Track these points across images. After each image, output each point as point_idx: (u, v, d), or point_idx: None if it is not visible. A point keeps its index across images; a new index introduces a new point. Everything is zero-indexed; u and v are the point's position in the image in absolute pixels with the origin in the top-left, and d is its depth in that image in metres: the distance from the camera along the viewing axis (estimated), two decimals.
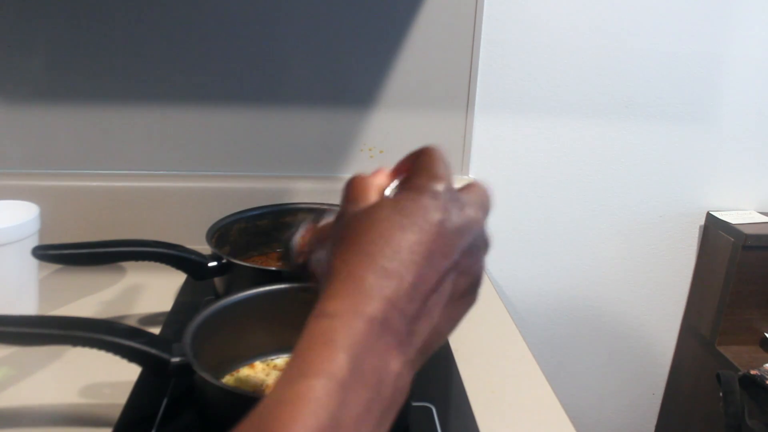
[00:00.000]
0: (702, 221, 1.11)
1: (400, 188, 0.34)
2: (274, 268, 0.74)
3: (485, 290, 0.89)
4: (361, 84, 0.95)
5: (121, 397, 0.60)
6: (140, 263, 0.71)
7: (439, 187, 0.32)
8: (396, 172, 0.36)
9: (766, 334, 1.07)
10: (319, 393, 0.25)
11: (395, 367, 0.28)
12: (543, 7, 0.95)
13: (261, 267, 0.75)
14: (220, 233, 0.81)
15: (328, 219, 0.41)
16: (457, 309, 0.32)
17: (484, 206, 0.35)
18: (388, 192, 0.36)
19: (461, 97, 0.97)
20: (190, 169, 0.97)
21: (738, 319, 1.06)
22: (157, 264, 0.72)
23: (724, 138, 1.06)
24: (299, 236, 0.43)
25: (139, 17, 0.89)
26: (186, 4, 0.89)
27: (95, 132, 0.94)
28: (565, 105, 1.01)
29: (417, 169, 0.33)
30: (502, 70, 0.98)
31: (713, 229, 1.09)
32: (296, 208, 0.89)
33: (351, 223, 0.32)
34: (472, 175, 1.03)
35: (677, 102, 1.03)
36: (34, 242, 0.71)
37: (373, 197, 0.34)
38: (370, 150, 0.99)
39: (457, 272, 0.31)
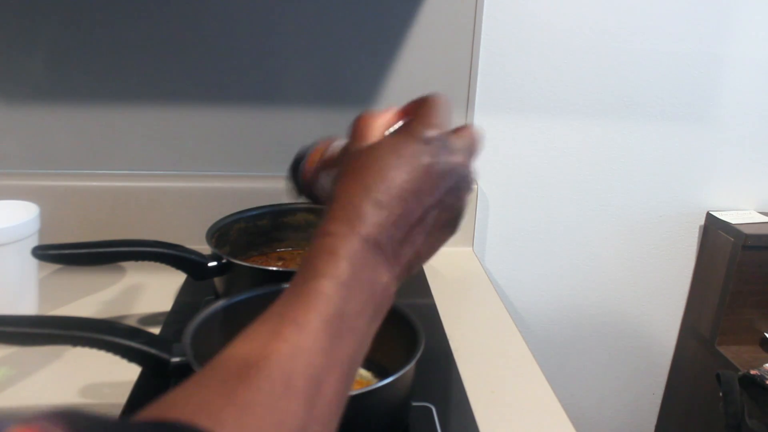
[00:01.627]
0: (702, 221, 1.11)
1: (399, 130, 0.38)
2: (274, 268, 0.74)
3: (485, 290, 0.89)
4: (361, 84, 0.95)
5: (121, 397, 0.60)
6: (140, 263, 0.71)
7: (432, 133, 0.37)
8: (401, 114, 0.41)
9: (766, 334, 1.07)
10: (328, 289, 0.31)
11: (384, 279, 0.35)
12: (543, 7, 0.95)
13: (261, 267, 0.75)
14: (220, 233, 0.81)
15: (335, 145, 0.46)
16: (437, 238, 0.38)
17: (471, 150, 0.40)
18: (389, 131, 0.40)
19: (461, 97, 0.97)
20: (190, 169, 0.97)
21: (738, 319, 1.06)
22: (157, 264, 0.72)
23: (724, 138, 1.06)
24: (308, 157, 0.47)
25: (139, 17, 0.89)
26: (186, 4, 0.89)
27: (95, 132, 0.94)
28: (565, 105, 1.01)
29: (417, 116, 0.38)
30: (502, 70, 0.98)
31: (713, 229, 1.09)
32: (296, 208, 0.89)
33: (353, 158, 0.38)
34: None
35: (677, 102, 1.03)
36: (34, 242, 0.71)
37: (375, 136, 0.39)
38: None
39: (439, 208, 0.37)
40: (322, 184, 0.45)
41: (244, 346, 0.29)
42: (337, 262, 0.32)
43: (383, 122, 0.40)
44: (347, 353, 0.31)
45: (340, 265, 0.32)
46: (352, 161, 0.37)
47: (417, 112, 0.39)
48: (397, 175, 0.35)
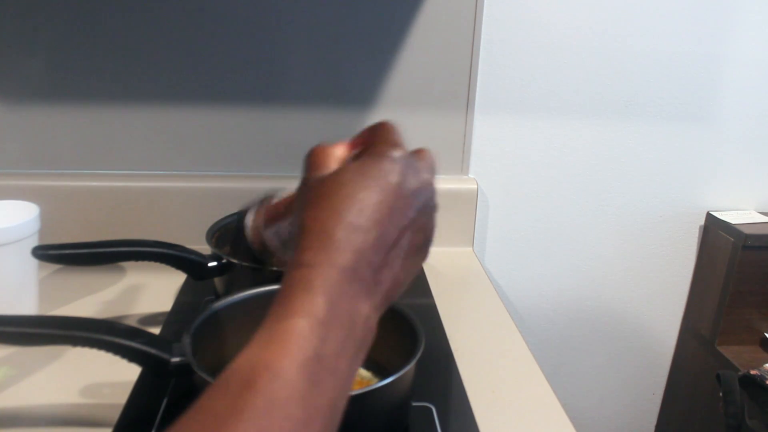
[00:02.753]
0: (702, 221, 1.11)
1: (362, 155, 0.37)
2: (274, 268, 0.74)
3: (485, 290, 0.89)
4: (361, 84, 0.95)
5: (121, 397, 0.60)
6: (140, 263, 0.71)
7: (397, 153, 0.36)
8: (353, 144, 0.40)
9: (766, 334, 1.07)
10: (303, 330, 0.29)
11: (365, 310, 0.32)
12: (543, 7, 0.95)
13: (261, 267, 0.75)
14: (220, 233, 0.81)
15: (276, 198, 0.44)
16: (413, 262, 0.36)
17: (433, 171, 0.39)
18: (349, 159, 0.39)
19: (461, 97, 0.97)
20: (190, 169, 0.97)
21: (738, 319, 1.06)
22: (157, 264, 0.72)
23: (724, 138, 1.06)
24: (250, 219, 0.45)
25: (139, 17, 0.89)
26: (186, 4, 0.89)
27: (95, 132, 0.94)
28: (565, 105, 1.01)
29: (376, 139, 0.38)
30: (502, 70, 0.98)
31: (713, 229, 1.09)
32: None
33: (318, 186, 0.35)
34: (472, 175, 1.03)
35: (677, 102, 1.03)
36: (34, 242, 0.71)
37: (333, 166, 0.37)
38: None
39: (413, 229, 0.35)
40: (270, 238, 0.43)
41: (215, 400, 0.27)
42: (312, 298, 0.30)
43: (339, 153, 0.39)
44: (328, 398, 0.29)
45: (317, 301, 0.30)
46: (317, 189, 0.35)
47: (374, 137, 0.38)
48: (369, 196, 0.33)
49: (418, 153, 0.39)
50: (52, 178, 0.94)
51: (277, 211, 0.43)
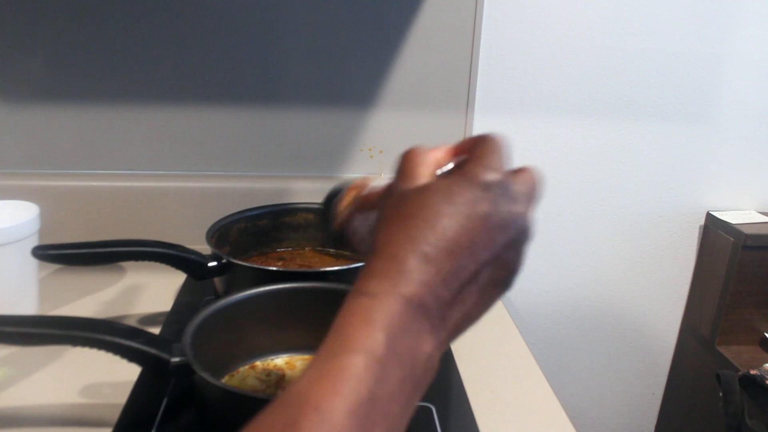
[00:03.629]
0: (702, 221, 1.11)
1: (454, 172, 0.34)
2: (274, 268, 0.74)
3: None
4: (361, 84, 0.95)
5: (121, 397, 0.60)
6: (140, 263, 0.71)
7: (491, 177, 0.32)
8: (455, 151, 0.36)
9: (766, 334, 1.07)
10: (359, 369, 0.26)
11: (427, 349, 0.30)
12: (543, 7, 0.95)
13: (261, 267, 0.75)
14: (220, 233, 0.81)
15: (373, 187, 0.41)
16: (490, 296, 0.34)
17: (533, 198, 0.35)
18: (441, 172, 0.36)
19: (461, 97, 0.97)
20: (190, 169, 0.97)
21: (738, 319, 1.06)
22: (157, 264, 0.72)
23: (724, 138, 1.06)
24: (340, 200, 0.43)
25: (139, 17, 0.89)
26: (186, 4, 0.89)
27: (95, 132, 0.94)
28: (565, 105, 1.01)
29: (474, 156, 0.34)
30: (502, 70, 0.98)
31: (713, 229, 1.08)
32: (296, 208, 0.89)
33: (400, 201, 0.32)
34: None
35: (677, 102, 1.03)
36: (34, 242, 0.71)
37: (425, 175, 0.34)
38: (370, 150, 0.99)
39: (495, 265, 0.32)
40: (356, 229, 0.41)
41: None
42: (372, 333, 0.27)
43: (434, 160, 0.36)
44: None
45: (376, 337, 0.27)
46: (398, 205, 0.32)
47: (473, 151, 0.34)
48: (450, 225, 0.30)
49: (518, 175, 0.35)
50: (52, 178, 0.94)
51: (366, 203, 0.41)
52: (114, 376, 0.63)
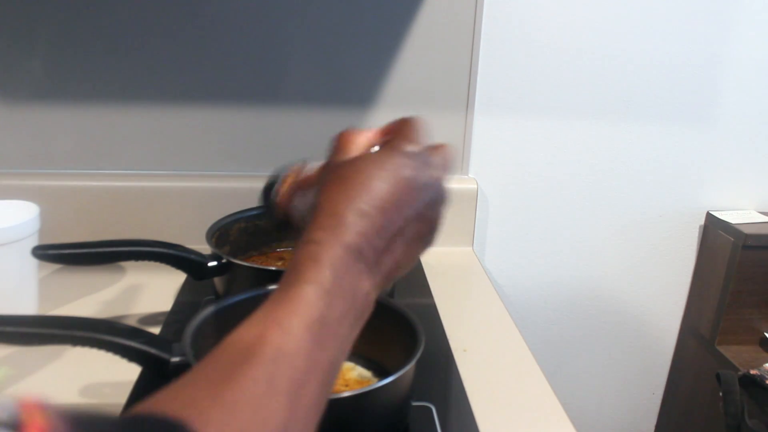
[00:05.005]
0: (702, 221, 1.11)
1: (381, 147, 0.40)
2: (274, 268, 0.74)
3: (485, 290, 0.89)
4: (361, 84, 0.95)
5: (121, 397, 0.60)
6: (140, 263, 0.71)
7: (414, 149, 0.39)
8: (382, 133, 0.43)
9: (766, 333, 1.07)
10: (311, 296, 0.32)
11: (365, 286, 0.35)
12: (543, 7, 0.95)
13: (261, 267, 0.75)
14: (220, 233, 0.81)
15: (309, 169, 0.47)
16: (416, 249, 0.39)
17: (447, 167, 0.42)
18: (373, 150, 0.42)
19: (461, 97, 0.97)
20: (190, 169, 0.97)
21: (738, 319, 1.06)
22: (157, 264, 0.72)
23: (724, 138, 1.06)
24: (281, 180, 0.48)
25: (139, 17, 0.89)
26: (186, 4, 0.89)
27: (95, 132, 0.94)
28: (565, 105, 1.01)
29: (399, 134, 0.40)
30: (502, 70, 0.98)
31: (713, 229, 1.09)
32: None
33: (338, 169, 0.39)
34: (472, 175, 1.03)
35: (677, 102, 1.03)
36: (34, 242, 0.71)
37: (357, 151, 0.41)
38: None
39: (418, 220, 0.38)
40: (297, 207, 0.47)
41: (230, 348, 0.30)
42: (320, 269, 0.33)
43: (365, 139, 0.42)
44: (328, 358, 0.32)
45: (324, 272, 0.33)
46: (336, 172, 0.38)
47: (398, 130, 0.41)
48: (381, 187, 0.36)
49: (435, 149, 0.41)
50: (52, 178, 0.94)
51: (302, 185, 0.47)
52: (114, 376, 0.63)
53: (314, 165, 0.47)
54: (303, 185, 0.47)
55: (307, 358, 0.30)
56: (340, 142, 0.42)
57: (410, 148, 0.39)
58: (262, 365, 0.29)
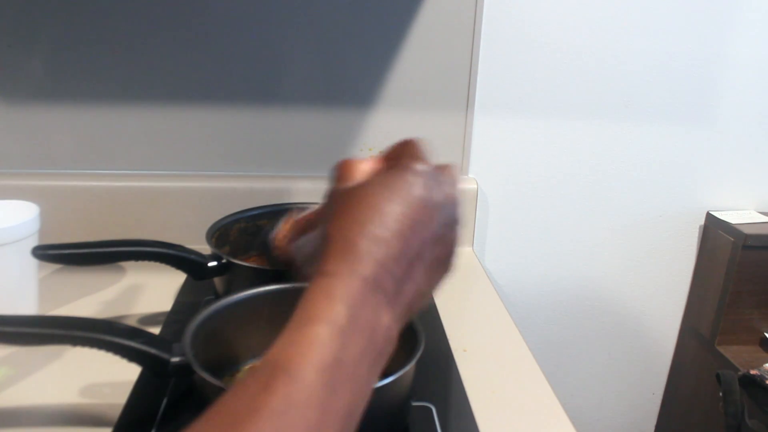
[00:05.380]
0: (702, 221, 1.11)
1: (387, 168, 0.38)
2: (274, 268, 0.74)
3: (485, 290, 0.89)
4: (361, 84, 0.95)
5: (121, 397, 0.60)
6: (140, 263, 0.71)
7: (422, 167, 0.36)
8: (380, 160, 0.40)
9: (766, 334, 1.07)
10: (323, 336, 0.29)
11: (385, 321, 0.32)
12: (543, 7, 0.95)
13: (261, 267, 0.75)
14: (220, 233, 0.81)
15: (305, 212, 0.44)
16: (436, 274, 0.37)
17: (456, 186, 0.39)
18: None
19: (461, 97, 0.97)
20: (190, 169, 0.97)
21: (738, 319, 1.06)
22: (157, 264, 0.72)
23: (724, 138, 1.06)
24: (277, 231, 0.45)
25: (139, 17, 0.89)
26: (186, 4, 0.89)
27: (95, 132, 0.94)
28: (565, 105, 1.01)
29: (402, 153, 0.38)
30: (502, 70, 0.98)
31: (713, 229, 1.09)
32: (296, 208, 0.89)
33: (343, 197, 0.36)
34: (472, 175, 1.03)
35: (677, 102, 1.03)
36: (34, 242, 0.71)
37: (359, 179, 0.38)
38: (370, 150, 0.99)
39: (436, 242, 0.36)
40: (299, 248, 0.43)
41: (233, 400, 0.27)
42: (334, 306, 0.30)
43: (367, 167, 0.39)
44: (345, 405, 0.29)
45: (337, 309, 0.30)
46: (343, 199, 0.36)
47: (401, 152, 0.39)
48: (393, 209, 0.34)
49: (441, 168, 0.39)
50: (52, 178, 0.94)
51: (303, 225, 0.44)
52: (114, 376, 0.63)
53: (310, 207, 0.44)
54: (304, 225, 0.44)
55: (321, 409, 0.27)
56: (341, 171, 0.39)
57: (418, 166, 0.36)
58: (269, 420, 0.26)
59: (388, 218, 0.33)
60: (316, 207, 0.43)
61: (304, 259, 0.43)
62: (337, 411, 0.28)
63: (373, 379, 0.32)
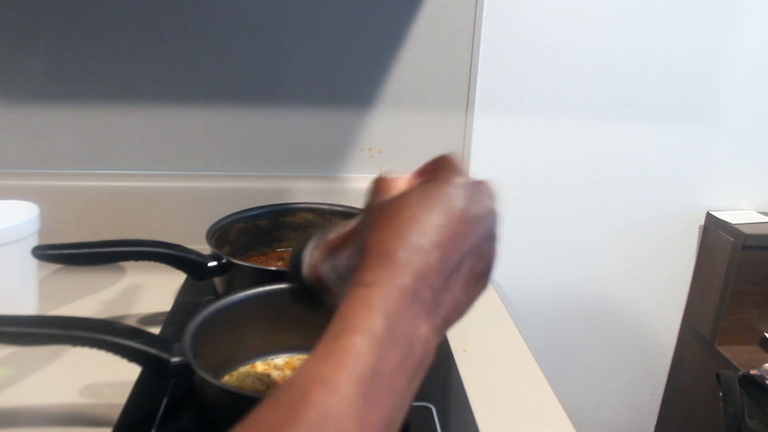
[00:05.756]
0: (702, 221, 1.11)
1: (425, 180, 0.37)
2: (274, 268, 0.74)
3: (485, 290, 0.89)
4: (361, 84, 0.95)
5: (121, 397, 0.60)
6: (140, 263, 0.71)
7: (461, 179, 0.36)
8: (420, 174, 0.39)
9: (766, 334, 1.07)
10: (361, 347, 0.28)
11: (424, 332, 0.32)
12: (543, 7, 0.95)
13: (261, 267, 0.75)
14: (220, 233, 0.81)
15: (337, 231, 0.42)
16: (474, 288, 0.36)
17: (495, 200, 0.38)
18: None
19: (461, 97, 0.97)
20: (190, 169, 0.97)
21: (738, 319, 1.06)
22: (157, 264, 0.72)
23: (724, 138, 1.06)
24: (308, 253, 0.42)
25: (139, 17, 0.89)
26: (186, 4, 0.89)
27: (95, 132, 0.94)
28: (565, 105, 1.01)
29: (439, 167, 0.37)
30: (502, 70, 0.98)
31: (713, 229, 1.08)
32: (296, 208, 0.89)
33: (381, 209, 0.35)
34: (472, 175, 1.03)
35: (677, 102, 1.03)
36: (34, 242, 0.71)
37: (399, 190, 0.37)
38: (369, 150, 0.99)
39: (475, 255, 0.35)
40: (332, 269, 0.41)
41: (268, 412, 0.27)
42: (371, 317, 0.30)
43: (403, 183, 0.39)
44: (383, 417, 0.28)
45: (375, 320, 0.30)
46: (380, 212, 0.35)
47: (437, 165, 0.38)
48: (432, 219, 0.33)
49: (479, 182, 0.38)
50: (52, 178, 0.94)
51: (334, 245, 0.42)
52: (114, 376, 0.63)
53: (341, 226, 0.42)
54: (338, 243, 0.42)
55: (358, 420, 0.27)
56: (377, 186, 0.38)
57: (457, 178, 0.36)
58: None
59: (427, 229, 0.33)
60: (346, 227, 0.41)
61: (335, 280, 0.41)
62: (375, 423, 0.28)
63: (411, 392, 0.31)
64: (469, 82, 0.97)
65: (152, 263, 0.71)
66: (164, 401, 0.59)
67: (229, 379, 0.61)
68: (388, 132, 0.98)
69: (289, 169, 0.99)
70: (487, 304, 0.85)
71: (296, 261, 0.43)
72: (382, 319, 0.30)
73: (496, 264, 0.37)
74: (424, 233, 0.33)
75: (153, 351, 0.52)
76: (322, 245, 0.42)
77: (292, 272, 0.43)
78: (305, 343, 0.64)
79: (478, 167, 1.03)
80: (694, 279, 1.15)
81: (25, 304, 0.74)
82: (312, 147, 0.98)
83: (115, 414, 0.58)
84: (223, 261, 0.73)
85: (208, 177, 0.97)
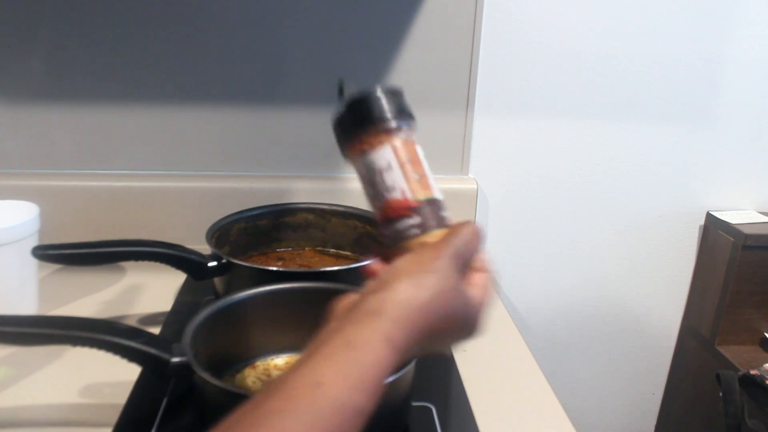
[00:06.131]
0: (702, 221, 1.11)
1: (459, 280, 0.42)
2: (274, 268, 0.74)
3: None
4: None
5: (121, 397, 0.60)
6: (140, 263, 0.71)
7: (481, 286, 0.44)
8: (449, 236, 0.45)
9: (766, 334, 1.07)
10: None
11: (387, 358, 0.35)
12: (543, 7, 0.95)
13: (261, 267, 0.75)
14: (220, 233, 0.81)
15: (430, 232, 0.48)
16: (449, 344, 0.43)
17: (487, 292, 0.44)
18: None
19: (461, 97, 0.97)
20: (190, 169, 0.97)
21: (738, 319, 1.06)
22: (157, 264, 0.72)
23: (724, 138, 1.06)
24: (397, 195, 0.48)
25: (139, 17, 0.89)
26: (186, 4, 0.89)
27: (95, 132, 0.94)
28: (565, 105, 1.01)
29: (468, 256, 0.44)
30: (502, 70, 0.98)
31: (713, 229, 1.08)
32: (296, 208, 0.89)
33: (420, 285, 0.39)
34: (472, 175, 1.03)
35: (677, 102, 1.03)
36: (34, 242, 0.71)
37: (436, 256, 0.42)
38: None
39: (450, 335, 0.41)
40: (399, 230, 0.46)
41: (248, 412, 0.29)
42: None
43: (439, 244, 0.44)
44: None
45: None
46: (417, 285, 0.38)
47: (469, 252, 0.44)
48: (441, 326, 0.38)
49: (476, 272, 0.45)
50: (52, 178, 0.94)
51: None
52: (114, 376, 0.63)
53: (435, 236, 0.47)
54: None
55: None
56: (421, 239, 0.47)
57: (478, 290, 0.43)
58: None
59: (435, 320, 0.37)
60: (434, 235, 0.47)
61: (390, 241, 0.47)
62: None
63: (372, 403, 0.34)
64: (469, 82, 0.97)
65: (152, 263, 0.71)
66: (164, 401, 0.59)
67: (229, 379, 0.61)
68: None
69: (289, 169, 0.98)
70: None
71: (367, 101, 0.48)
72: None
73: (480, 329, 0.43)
74: (431, 324, 0.37)
75: (153, 351, 0.52)
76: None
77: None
78: (305, 343, 0.64)
79: (478, 167, 1.03)
80: (694, 279, 1.15)
81: (25, 304, 0.74)
82: (312, 147, 0.98)
83: (115, 414, 0.58)
84: (223, 261, 0.73)
85: (208, 177, 0.97)
